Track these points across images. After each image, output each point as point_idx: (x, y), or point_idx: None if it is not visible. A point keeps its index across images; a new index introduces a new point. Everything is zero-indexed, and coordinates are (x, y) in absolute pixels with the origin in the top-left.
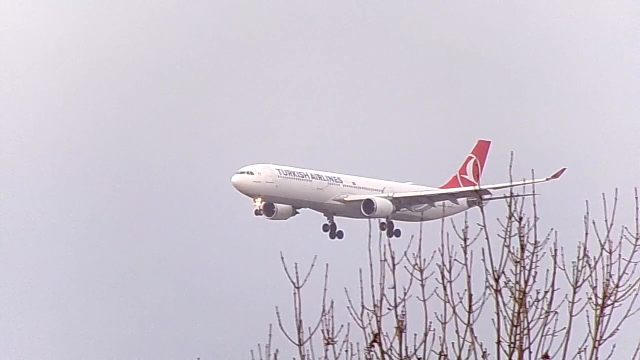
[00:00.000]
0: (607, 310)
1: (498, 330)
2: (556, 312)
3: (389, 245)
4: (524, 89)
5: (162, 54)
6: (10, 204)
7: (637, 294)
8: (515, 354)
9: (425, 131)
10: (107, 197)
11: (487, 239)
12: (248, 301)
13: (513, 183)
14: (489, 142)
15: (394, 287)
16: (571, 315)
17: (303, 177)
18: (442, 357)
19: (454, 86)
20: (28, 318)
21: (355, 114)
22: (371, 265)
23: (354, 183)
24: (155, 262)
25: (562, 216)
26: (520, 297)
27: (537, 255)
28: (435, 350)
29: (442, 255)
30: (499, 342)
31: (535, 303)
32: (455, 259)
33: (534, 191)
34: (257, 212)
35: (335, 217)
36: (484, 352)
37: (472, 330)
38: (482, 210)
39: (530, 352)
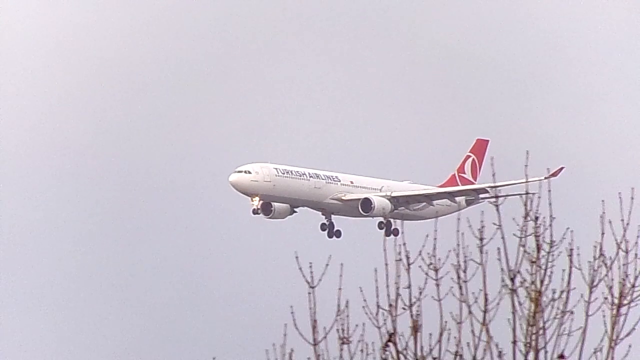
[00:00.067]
0: (623, 310)
1: (514, 330)
2: (572, 312)
3: (404, 244)
4: (523, 88)
5: (162, 54)
6: (10, 204)
7: None
8: (531, 354)
9: (424, 130)
10: (106, 197)
11: (502, 238)
12: (248, 301)
13: (512, 182)
14: (487, 140)
15: (409, 287)
16: (587, 315)
17: (301, 176)
18: (458, 357)
19: (452, 85)
20: (28, 318)
21: (353, 113)
22: (386, 264)
23: (351, 182)
24: (154, 261)
25: (576, 216)
26: (536, 296)
27: (553, 255)
28: (450, 350)
29: (457, 254)
30: (514, 342)
31: (551, 303)
32: (471, 259)
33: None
34: (254, 211)
35: (333, 216)
36: (500, 352)
37: (487, 330)
38: (497, 210)
39: (546, 352)
